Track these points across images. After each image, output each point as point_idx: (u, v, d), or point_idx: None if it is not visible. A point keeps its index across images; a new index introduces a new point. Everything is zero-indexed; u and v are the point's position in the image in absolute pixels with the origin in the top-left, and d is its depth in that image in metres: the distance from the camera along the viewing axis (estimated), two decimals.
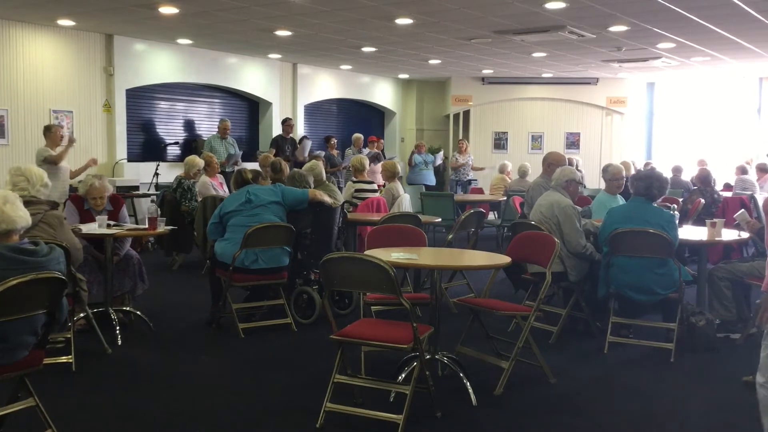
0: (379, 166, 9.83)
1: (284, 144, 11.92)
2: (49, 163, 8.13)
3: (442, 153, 15.23)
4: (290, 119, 12.55)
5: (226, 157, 10.88)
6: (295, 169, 6.91)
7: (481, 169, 15.00)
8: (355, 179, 8.34)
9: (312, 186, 6.61)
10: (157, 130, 11.96)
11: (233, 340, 5.53)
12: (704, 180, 9.33)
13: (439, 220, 8.04)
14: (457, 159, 14.48)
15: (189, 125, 12.51)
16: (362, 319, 4.58)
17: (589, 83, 15.69)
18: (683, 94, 16.37)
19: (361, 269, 3.82)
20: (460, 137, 16.08)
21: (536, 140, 16.28)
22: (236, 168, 11.21)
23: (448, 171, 16.49)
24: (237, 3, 8.30)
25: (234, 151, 11.17)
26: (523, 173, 11.89)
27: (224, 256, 5.71)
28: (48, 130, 8.66)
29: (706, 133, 15.92)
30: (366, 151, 13.25)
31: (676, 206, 7.25)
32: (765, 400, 3.24)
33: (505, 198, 10.76)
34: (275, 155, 11.29)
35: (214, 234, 5.96)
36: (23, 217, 3.36)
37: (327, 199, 6.20)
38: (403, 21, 9.18)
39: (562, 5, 8.11)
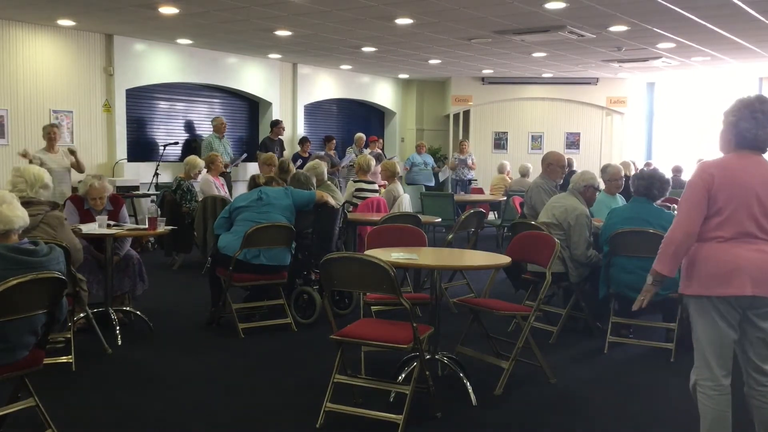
0: (379, 167, 9.82)
1: (272, 146, 11.92)
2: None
3: (445, 167, 15.10)
4: (282, 122, 12.53)
5: (230, 159, 10.92)
6: (299, 171, 6.92)
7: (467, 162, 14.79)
8: (356, 179, 8.33)
9: (314, 185, 6.64)
10: (157, 131, 11.95)
11: (233, 340, 5.53)
12: None
13: (439, 220, 8.04)
14: (456, 158, 14.47)
15: (189, 125, 12.51)
16: (362, 319, 4.58)
17: (589, 83, 15.69)
18: (683, 94, 16.36)
19: (361, 269, 3.82)
20: (461, 137, 16.09)
21: (536, 140, 16.28)
22: (236, 167, 11.31)
23: (446, 171, 16.50)
24: (237, 3, 8.30)
25: (230, 152, 11.17)
26: (524, 173, 11.91)
27: (227, 249, 5.72)
28: (43, 131, 8.79)
29: (707, 133, 15.91)
30: (367, 151, 13.26)
31: (676, 206, 7.25)
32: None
33: (505, 198, 10.77)
34: None
35: (220, 228, 5.97)
36: (21, 216, 3.36)
37: (332, 201, 6.24)
38: (403, 21, 9.18)
39: (562, 5, 8.11)
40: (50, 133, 8.68)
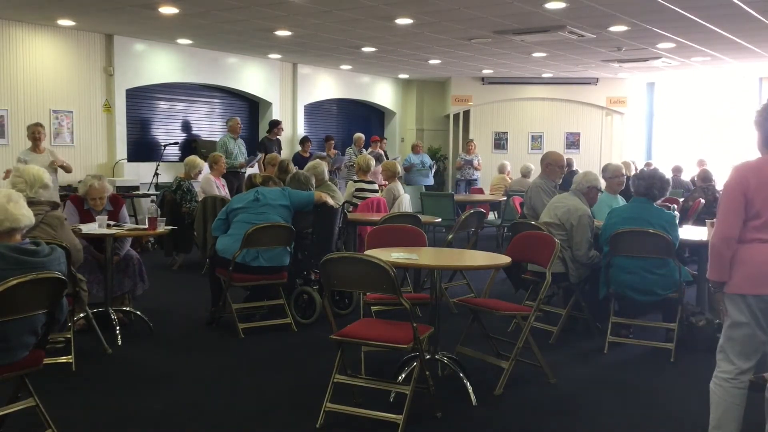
0: (379, 167, 9.83)
1: (271, 146, 11.92)
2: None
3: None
4: (281, 123, 12.51)
5: (245, 160, 10.90)
6: (299, 171, 6.92)
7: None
8: (356, 179, 8.33)
9: (314, 185, 6.64)
10: (157, 131, 11.96)
11: (233, 340, 5.53)
12: (705, 178, 9.55)
13: (439, 220, 8.04)
14: (462, 159, 14.45)
15: (189, 125, 12.51)
16: (362, 319, 4.57)
17: (589, 83, 15.69)
18: (683, 94, 16.36)
19: (361, 269, 3.82)
20: (461, 137, 16.09)
21: (536, 140, 16.29)
22: (252, 167, 11.30)
23: (449, 171, 16.51)
24: (237, 3, 8.30)
25: (245, 152, 11.15)
26: (525, 173, 11.91)
27: (225, 252, 5.72)
28: (27, 130, 8.64)
29: (706, 133, 15.92)
30: (367, 151, 13.25)
31: (676, 206, 7.26)
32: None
33: (505, 198, 10.77)
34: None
35: (217, 230, 5.97)
36: (26, 215, 3.36)
37: (331, 201, 6.23)
38: (403, 21, 9.18)
39: (562, 5, 8.11)
40: (34, 133, 8.51)
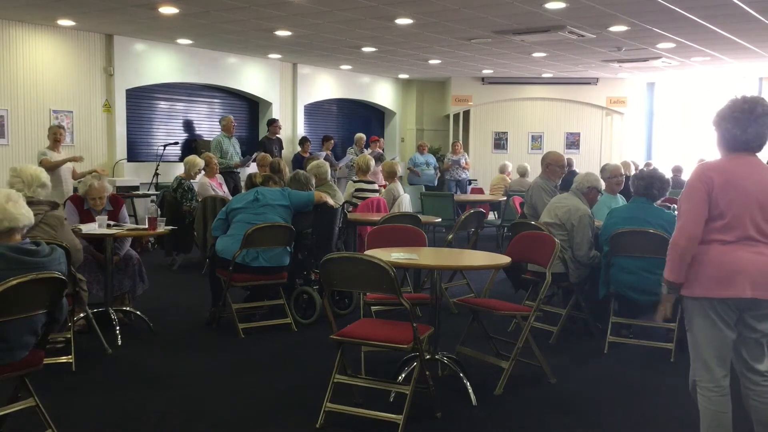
0: (379, 166, 9.83)
1: (271, 145, 11.91)
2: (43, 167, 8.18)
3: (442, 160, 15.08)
4: (278, 120, 12.53)
5: (240, 159, 10.89)
6: (299, 171, 6.92)
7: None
8: (356, 179, 8.33)
9: (314, 185, 6.65)
10: (157, 131, 11.95)
11: (233, 340, 5.53)
12: None
13: (439, 220, 8.04)
14: (449, 159, 14.45)
15: (189, 125, 12.51)
16: (362, 319, 4.58)
17: (589, 83, 15.69)
18: (683, 94, 16.36)
19: (361, 269, 3.82)
20: (460, 138, 16.10)
21: (536, 140, 16.28)
22: (247, 167, 11.29)
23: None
24: (237, 3, 8.30)
25: (239, 151, 11.14)
26: (522, 173, 11.91)
27: (225, 253, 5.72)
28: (49, 131, 8.93)
29: (707, 133, 15.91)
30: (367, 151, 13.25)
31: (675, 206, 7.25)
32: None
33: (505, 198, 10.77)
34: None
35: (217, 230, 5.98)
36: (26, 215, 3.36)
37: (331, 201, 6.24)
38: (403, 21, 9.18)
39: (562, 5, 8.11)
40: (56, 134, 8.86)
